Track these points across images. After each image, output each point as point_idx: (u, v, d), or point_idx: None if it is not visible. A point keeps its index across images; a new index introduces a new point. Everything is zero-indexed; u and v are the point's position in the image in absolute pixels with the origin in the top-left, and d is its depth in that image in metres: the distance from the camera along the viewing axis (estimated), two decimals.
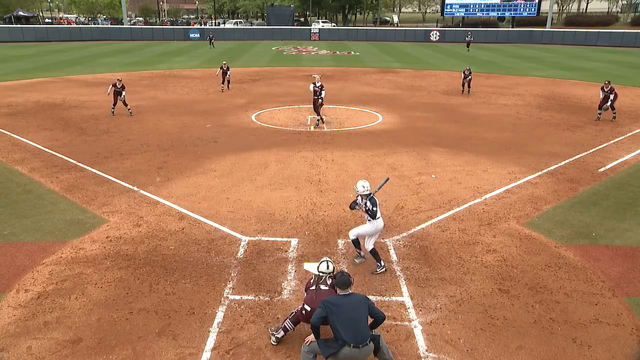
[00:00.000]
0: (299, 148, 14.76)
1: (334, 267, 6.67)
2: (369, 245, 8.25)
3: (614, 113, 19.16)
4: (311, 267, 6.90)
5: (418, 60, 41.10)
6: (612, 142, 16.23)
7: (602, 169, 13.27)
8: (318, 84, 17.33)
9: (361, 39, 62.94)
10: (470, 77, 24.61)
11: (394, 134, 16.80)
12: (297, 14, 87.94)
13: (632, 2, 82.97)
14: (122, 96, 18.60)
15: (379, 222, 8.15)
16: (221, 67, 24.86)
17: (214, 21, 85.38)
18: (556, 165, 13.53)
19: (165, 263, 8.38)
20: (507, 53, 48.05)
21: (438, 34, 62.63)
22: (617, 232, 9.69)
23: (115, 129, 16.89)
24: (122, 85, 18.57)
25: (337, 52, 48.54)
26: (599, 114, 19.35)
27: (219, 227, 9.61)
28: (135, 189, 11.48)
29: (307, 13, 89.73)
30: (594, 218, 10.27)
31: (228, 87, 24.94)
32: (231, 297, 7.50)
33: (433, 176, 12.35)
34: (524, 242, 9.25)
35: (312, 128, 16.79)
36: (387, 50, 50.14)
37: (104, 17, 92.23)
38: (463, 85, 24.90)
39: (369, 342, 5.81)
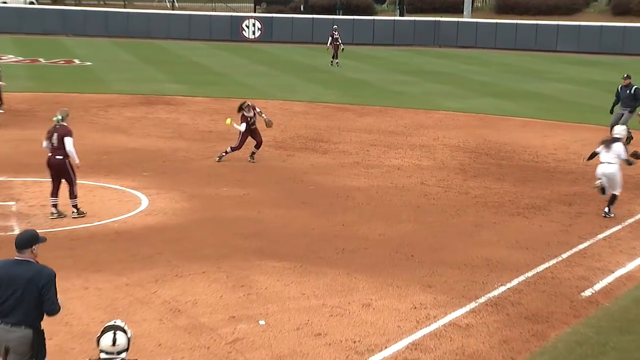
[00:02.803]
0: None
1: (128, 341, 7.19)
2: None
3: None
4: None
5: (221, 78, 39.28)
6: (600, 236, 15.79)
7: (587, 293, 12.86)
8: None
9: (95, 31, 57.68)
10: (254, 118, 22.12)
11: (177, 234, 15.85)
12: None
13: None
14: None
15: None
16: None
17: None
18: (502, 288, 12.95)
19: None
20: (396, 65, 46.87)
21: (259, 25, 59.65)
22: None
23: None
24: None
25: (42, 60, 44.81)
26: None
27: None
28: None
29: None
30: None
31: None
32: None
33: (262, 322, 11.81)
34: None
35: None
36: (155, 55, 48.52)
37: None
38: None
39: (25, 327, 7.79)
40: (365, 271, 13.71)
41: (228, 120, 22.92)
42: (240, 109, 22.53)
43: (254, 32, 59.75)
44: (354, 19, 60.56)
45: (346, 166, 21.96)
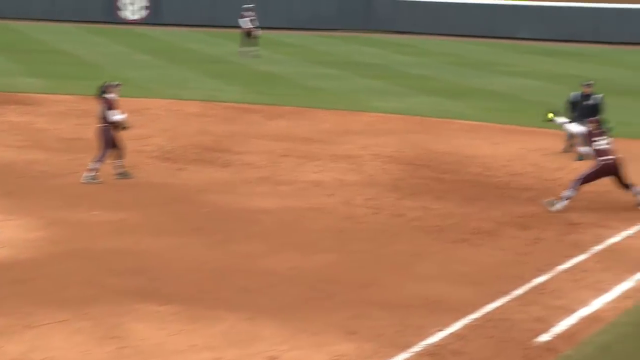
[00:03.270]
0: None
1: None
2: None
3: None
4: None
5: (93, 71, 37.76)
6: (561, 268, 15.62)
7: (543, 338, 12.70)
8: None
9: None
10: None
11: (29, 272, 15.10)
12: None
13: None
14: None
15: None
16: None
17: None
18: (442, 334, 12.81)
19: None
20: (316, 54, 47.17)
21: (144, 3, 54.57)
22: None
23: None
24: None
25: None
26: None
27: None
28: None
29: None
30: None
31: None
32: None
33: None
34: None
35: None
36: (4, 40, 47.47)
37: None
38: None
39: None
40: (272, 315, 13.34)
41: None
42: (103, 92, 21.11)
43: (134, 12, 55.48)
44: None
45: (251, 182, 21.67)
